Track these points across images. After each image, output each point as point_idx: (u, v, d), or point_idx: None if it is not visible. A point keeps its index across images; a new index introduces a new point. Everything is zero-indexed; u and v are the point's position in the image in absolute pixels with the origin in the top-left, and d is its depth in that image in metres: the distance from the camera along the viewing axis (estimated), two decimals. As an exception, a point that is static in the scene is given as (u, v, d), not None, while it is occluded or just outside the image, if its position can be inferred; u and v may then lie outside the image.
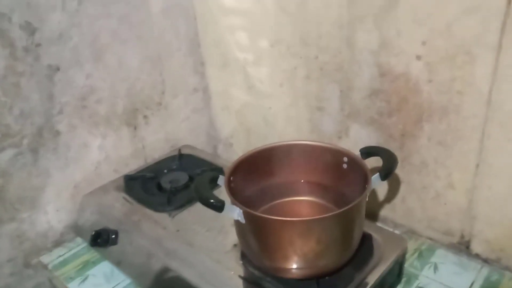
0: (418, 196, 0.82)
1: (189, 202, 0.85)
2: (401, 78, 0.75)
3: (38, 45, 0.80)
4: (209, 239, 0.75)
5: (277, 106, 0.98)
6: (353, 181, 0.68)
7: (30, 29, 0.78)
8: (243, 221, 0.60)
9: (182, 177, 0.93)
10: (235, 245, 0.72)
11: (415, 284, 0.75)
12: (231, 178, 0.67)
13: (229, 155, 1.14)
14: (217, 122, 1.15)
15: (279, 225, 0.59)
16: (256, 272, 0.67)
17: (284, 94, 0.94)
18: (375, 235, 0.73)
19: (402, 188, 0.84)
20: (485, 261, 0.78)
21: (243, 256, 0.70)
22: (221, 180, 0.67)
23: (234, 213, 0.60)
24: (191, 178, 0.92)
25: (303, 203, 0.76)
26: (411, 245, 0.83)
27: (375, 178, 0.63)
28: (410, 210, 0.85)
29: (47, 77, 0.83)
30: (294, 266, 0.61)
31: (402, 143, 0.80)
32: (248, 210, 0.59)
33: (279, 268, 0.63)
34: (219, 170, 0.92)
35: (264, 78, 0.97)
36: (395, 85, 0.77)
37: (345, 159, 0.70)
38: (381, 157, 0.66)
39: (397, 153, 0.80)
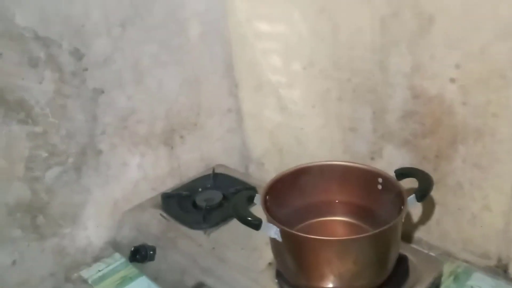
0: (454, 218, 0.82)
1: (223, 220, 0.87)
2: (435, 100, 0.76)
3: (85, 69, 0.85)
4: (244, 257, 0.77)
5: (310, 127, 0.99)
6: (388, 202, 0.69)
7: (78, 55, 0.84)
8: (279, 239, 0.62)
9: (216, 196, 0.95)
10: (270, 264, 0.74)
11: (451, 306, 0.74)
12: (267, 197, 0.69)
13: (261, 175, 1.16)
14: (249, 142, 1.17)
15: (316, 244, 0.60)
16: (292, 291, 0.68)
17: (316, 115, 0.96)
18: (410, 257, 0.72)
19: (437, 210, 0.84)
20: (524, 286, 0.77)
21: (278, 275, 0.71)
22: (257, 199, 0.69)
23: (271, 231, 0.62)
24: (225, 197, 0.95)
25: (338, 223, 0.77)
26: (447, 268, 0.82)
27: (410, 199, 0.64)
28: (446, 232, 0.84)
29: (92, 99, 0.88)
30: (330, 285, 0.62)
31: (437, 165, 0.81)
32: (285, 228, 0.61)
33: (315, 287, 0.63)
34: (252, 189, 0.94)
35: (296, 100, 0.99)
36: (429, 107, 0.78)
37: (380, 179, 0.71)
38: (417, 179, 0.66)
39: (431, 175, 0.82)
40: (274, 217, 0.63)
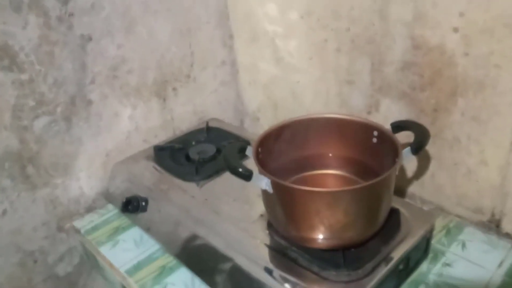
0: (449, 172, 0.81)
1: (216, 172, 0.86)
2: (435, 50, 0.73)
3: (71, 14, 0.81)
4: (236, 209, 0.77)
5: (306, 80, 0.97)
6: (383, 155, 0.67)
7: (63, -1, 0.80)
8: (270, 190, 0.61)
9: (209, 149, 0.94)
10: (261, 215, 0.73)
11: (441, 261, 0.74)
12: (259, 149, 0.68)
13: (256, 129, 1.15)
14: (244, 96, 1.15)
15: (306, 195, 0.59)
16: (282, 242, 0.68)
17: (313, 67, 0.93)
18: (403, 210, 0.72)
19: (432, 164, 0.83)
20: (516, 240, 0.77)
21: (270, 226, 0.71)
22: (249, 151, 0.67)
23: (262, 182, 0.61)
24: (218, 150, 0.93)
25: (331, 176, 0.76)
26: (439, 222, 0.82)
27: (406, 152, 0.62)
28: (440, 187, 0.83)
29: (80, 47, 0.84)
30: (320, 236, 0.62)
31: (434, 118, 0.79)
32: (276, 179, 0.60)
33: (305, 238, 0.63)
34: (246, 142, 0.92)
35: (293, 51, 0.96)
36: (429, 58, 0.75)
37: (375, 133, 0.70)
38: (413, 131, 0.64)
39: (428, 129, 0.80)
40: (266, 169, 0.62)
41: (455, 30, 0.70)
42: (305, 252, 0.65)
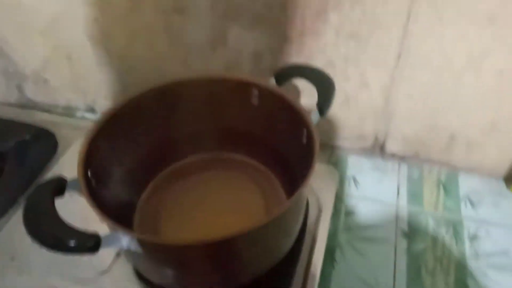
0: (325, 104, 0.66)
1: (11, 201, 0.53)
2: (295, -50, 0.51)
3: None
4: (59, 262, 0.48)
5: (109, 15, 0.64)
6: (271, 119, 0.47)
7: None
8: (137, 250, 0.35)
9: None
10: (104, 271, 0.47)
11: (343, 211, 0.63)
12: (89, 172, 0.39)
13: (48, 95, 0.79)
14: (11, 50, 0.75)
15: (192, 251, 0.35)
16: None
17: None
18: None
19: (303, 100, 0.67)
20: (402, 158, 0.70)
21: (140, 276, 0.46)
22: (72, 185, 0.38)
23: (121, 243, 0.35)
24: (2, 157, 0.58)
25: (212, 164, 0.53)
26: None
27: (313, 116, 0.43)
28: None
29: None
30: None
31: (301, 44, 0.60)
32: (143, 237, 0.35)
33: None
34: (46, 136, 0.59)
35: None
36: (287, -37, 0.53)
37: (255, 91, 0.47)
38: (311, 82, 0.45)
39: (295, 58, 0.62)
40: (109, 197, 0.36)
41: None
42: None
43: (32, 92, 0.79)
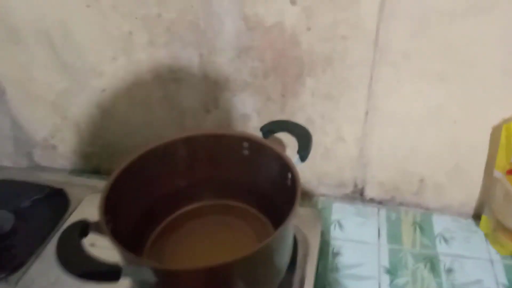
0: (308, 156, 0.75)
1: (30, 254, 0.58)
2: (273, 30, 0.62)
3: None
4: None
5: (114, 86, 0.73)
6: (261, 169, 0.55)
7: None
8: (153, 280, 0.41)
9: (3, 219, 0.64)
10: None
11: (330, 251, 0.69)
12: (107, 217, 0.46)
13: (53, 160, 0.86)
14: (23, 120, 0.83)
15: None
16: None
17: (121, 69, 0.71)
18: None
19: (288, 152, 0.75)
20: (380, 202, 0.78)
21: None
22: (94, 226, 0.45)
23: (139, 274, 0.41)
24: (18, 215, 0.64)
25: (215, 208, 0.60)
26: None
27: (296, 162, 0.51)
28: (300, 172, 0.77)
29: None
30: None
31: (283, 104, 0.69)
32: (161, 267, 0.41)
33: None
34: (58, 194, 0.66)
35: (86, 52, 0.71)
36: (268, 40, 0.63)
37: (245, 144, 0.56)
38: (292, 134, 0.53)
39: (279, 116, 0.71)
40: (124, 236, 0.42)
41: (293, 2, 0.59)
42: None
43: (40, 158, 0.86)
